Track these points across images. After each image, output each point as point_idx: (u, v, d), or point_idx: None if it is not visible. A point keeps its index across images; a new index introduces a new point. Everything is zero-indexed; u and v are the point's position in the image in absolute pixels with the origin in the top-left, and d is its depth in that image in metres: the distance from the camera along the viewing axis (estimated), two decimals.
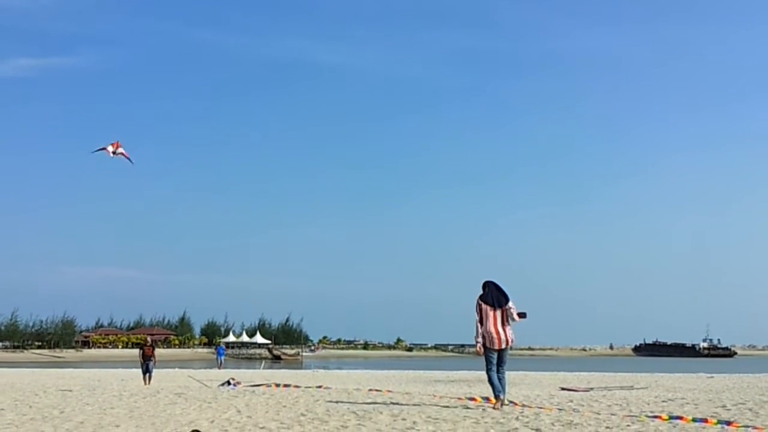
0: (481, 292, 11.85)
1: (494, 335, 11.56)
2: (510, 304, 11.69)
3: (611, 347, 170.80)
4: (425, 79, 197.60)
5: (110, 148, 19.83)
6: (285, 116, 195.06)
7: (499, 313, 11.64)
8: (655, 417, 10.86)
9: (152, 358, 24.79)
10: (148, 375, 24.38)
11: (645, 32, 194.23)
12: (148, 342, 25.70)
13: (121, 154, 19.68)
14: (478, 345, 11.61)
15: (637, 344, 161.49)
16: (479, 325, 11.63)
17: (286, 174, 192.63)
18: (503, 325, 11.63)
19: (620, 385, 21.71)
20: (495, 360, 11.66)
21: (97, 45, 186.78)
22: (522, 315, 11.79)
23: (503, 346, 11.62)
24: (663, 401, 14.66)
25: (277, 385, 19.44)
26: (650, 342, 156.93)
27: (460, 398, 14.45)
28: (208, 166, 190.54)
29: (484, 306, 11.69)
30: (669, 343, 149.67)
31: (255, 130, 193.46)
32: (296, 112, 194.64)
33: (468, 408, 11.97)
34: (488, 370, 11.71)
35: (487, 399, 13.27)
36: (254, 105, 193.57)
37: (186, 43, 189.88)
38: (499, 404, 11.68)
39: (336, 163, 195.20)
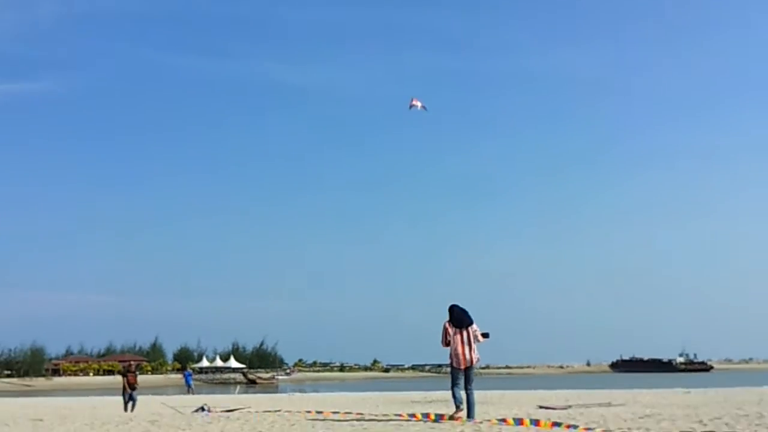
0: (447, 315, 12.82)
1: (460, 355, 12.57)
2: (474, 326, 12.74)
3: (588, 364, 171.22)
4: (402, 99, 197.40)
5: (417, 103, 20.44)
6: (262, 141, 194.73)
7: (465, 334, 12.65)
8: None
9: (135, 386, 23.76)
10: (132, 403, 23.27)
11: (615, 49, 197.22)
12: (132, 368, 24.97)
13: (414, 105, 20.46)
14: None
15: (614, 360, 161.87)
16: (445, 345, 12.69)
17: (261, 196, 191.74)
18: (468, 345, 12.61)
19: (598, 402, 21.61)
20: (461, 378, 12.65)
21: (59, 69, 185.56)
22: (485, 335, 12.93)
23: (468, 365, 12.61)
24: (640, 417, 14.63)
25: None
26: (627, 358, 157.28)
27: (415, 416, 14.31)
28: (178, 188, 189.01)
29: (450, 329, 12.69)
30: (646, 358, 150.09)
31: (234, 152, 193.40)
32: (271, 138, 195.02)
33: (437, 423, 11.82)
34: (452, 386, 12.75)
35: (440, 416, 13.75)
36: (229, 128, 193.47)
37: (151, 66, 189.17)
38: (460, 414, 12.58)
39: (311, 185, 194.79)
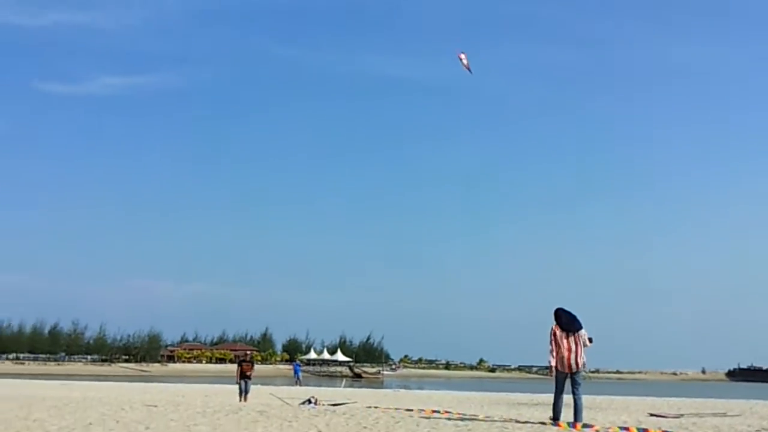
0: (553, 319, 12.91)
1: (566, 360, 12.70)
2: (582, 331, 12.82)
3: (703, 372, 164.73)
4: (509, 94, 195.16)
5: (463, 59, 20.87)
6: (372, 132, 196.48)
7: (572, 338, 12.75)
8: None
9: (250, 376, 24.24)
10: (245, 393, 23.79)
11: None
12: (248, 358, 25.42)
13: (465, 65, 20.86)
14: (551, 369, 12.82)
15: (731, 369, 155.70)
16: (553, 351, 12.74)
17: (374, 191, 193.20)
18: (576, 350, 12.71)
19: (712, 411, 20.83)
20: (564, 383, 12.82)
21: (182, 64, 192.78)
22: (590, 340, 12.94)
23: (574, 370, 12.74)
24: (757, 430, 14.04)
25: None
26: (745, 367, 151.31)
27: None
28: (291, 181, 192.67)
29: (558, 332, 12.78)
30: (765, 368, 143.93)
31: (344, 145, 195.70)
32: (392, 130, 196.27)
33: (543, 426, 11.68)
34: (555, 392, 12.96)
35: (573, 424, 13.23)
36: (339, 119, 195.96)
37: (268, 60, 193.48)
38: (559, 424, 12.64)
39: (417, 179, 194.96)
